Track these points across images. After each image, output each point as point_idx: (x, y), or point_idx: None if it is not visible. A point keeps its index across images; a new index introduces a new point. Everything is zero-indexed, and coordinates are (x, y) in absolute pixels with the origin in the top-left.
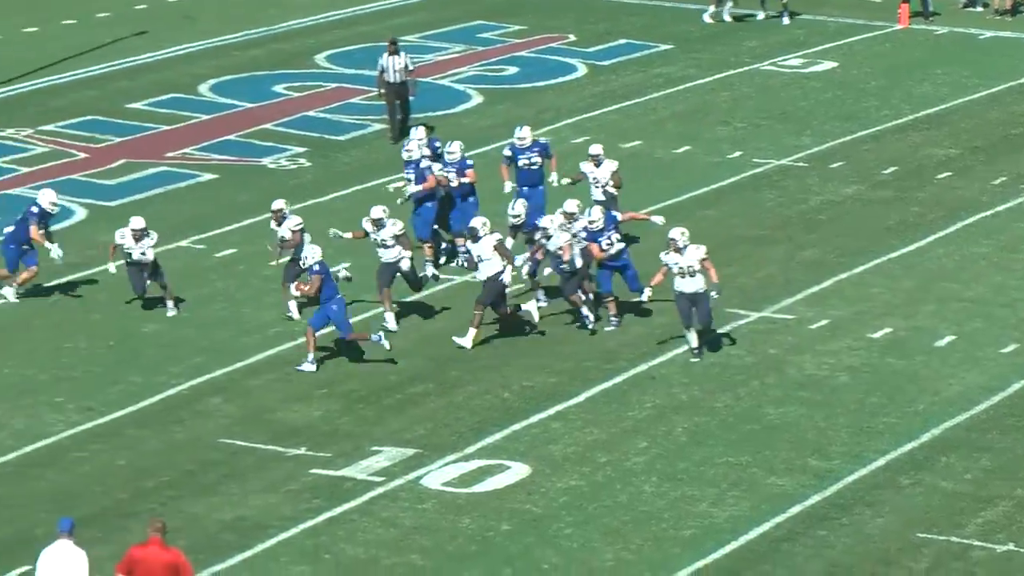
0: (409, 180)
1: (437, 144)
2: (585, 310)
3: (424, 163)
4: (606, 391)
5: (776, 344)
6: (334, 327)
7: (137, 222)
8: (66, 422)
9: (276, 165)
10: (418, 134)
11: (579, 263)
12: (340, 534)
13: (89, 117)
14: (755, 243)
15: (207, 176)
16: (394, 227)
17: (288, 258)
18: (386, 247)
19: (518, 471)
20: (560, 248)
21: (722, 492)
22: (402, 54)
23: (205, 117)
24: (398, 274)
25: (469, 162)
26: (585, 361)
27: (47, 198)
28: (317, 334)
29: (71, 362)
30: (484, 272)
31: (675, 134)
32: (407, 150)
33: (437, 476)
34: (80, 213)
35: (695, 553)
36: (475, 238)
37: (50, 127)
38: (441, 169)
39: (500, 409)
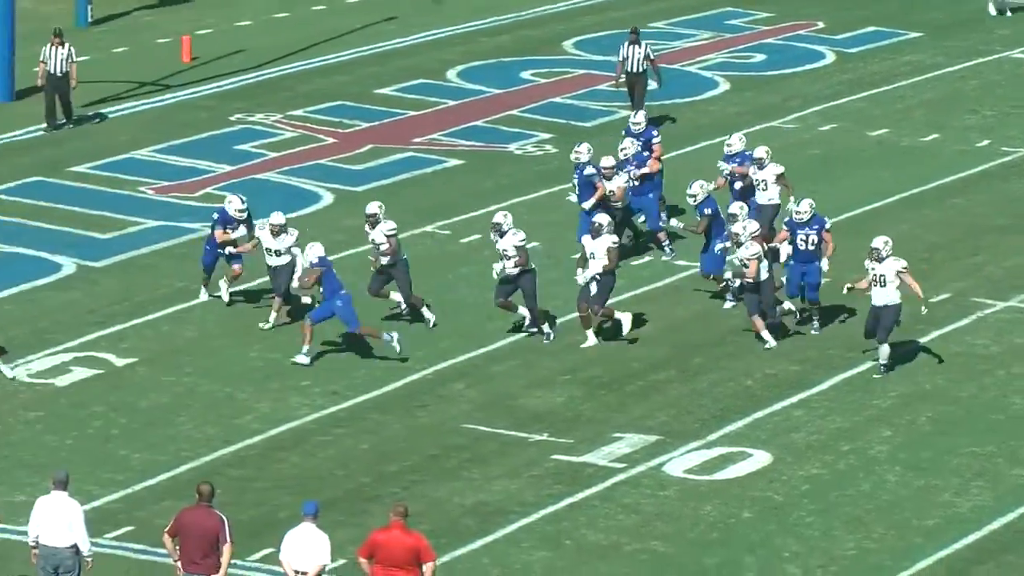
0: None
1: (654, 132)
2: (766, 333)
3: (589, 170)
4: (849, 379)
5: (1023, 334)
6: (341, 321)
7: (276, 218)
8: (311, 406)
9: (522, 151)
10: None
11: (764, 276)
12: (581, 520)
13: (338, 102)
14: (1002, 232)
15: (453, 162)
16: (514, 237)
17: (386, 262)
18: (506, 257)
19: (760, 459)
20: (746, 260)
21: (965, 482)
22: (643, 43)
23: (452, 103)
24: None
25: (645, 154)
26: (829, 349)
27: (233, 205)
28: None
29: (316, 346)
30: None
31: (923, 122)
32: (577, 152)
33: (679, 463)
34: (327, 198)
35: (937, 543)
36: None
37: (299, 112)
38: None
39: (743, 396)
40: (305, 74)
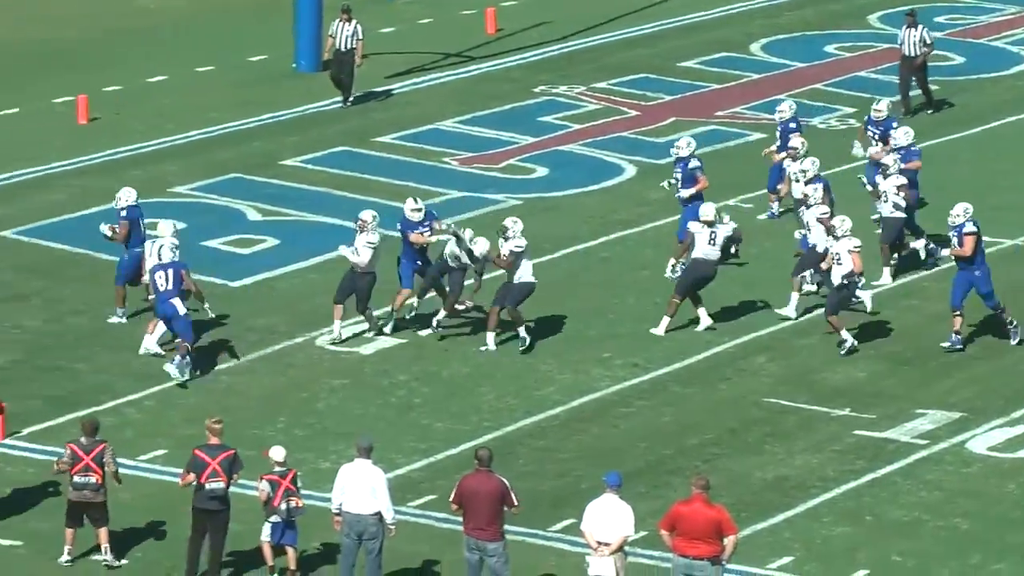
0: (676, 180)
1: (894, 123)
2: (845, 333)
3: (693, 163)
4: None
5: None
6: None
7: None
8: (612, 378)
9: (825, 125)
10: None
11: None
12: (883, 496)
13: (641, 75)
14: None
15: (756, 136)
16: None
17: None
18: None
19: None
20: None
21: None
22: (919, 27)
23: (755, 76)
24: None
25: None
26: None
27: (408, 206)
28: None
29: (619, 318)
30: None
31: None
32: (676, 146)
33: (983, 440)
34: (629, 170)
35: None
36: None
37: (602, 84)
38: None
39: None
40: (609, 46)
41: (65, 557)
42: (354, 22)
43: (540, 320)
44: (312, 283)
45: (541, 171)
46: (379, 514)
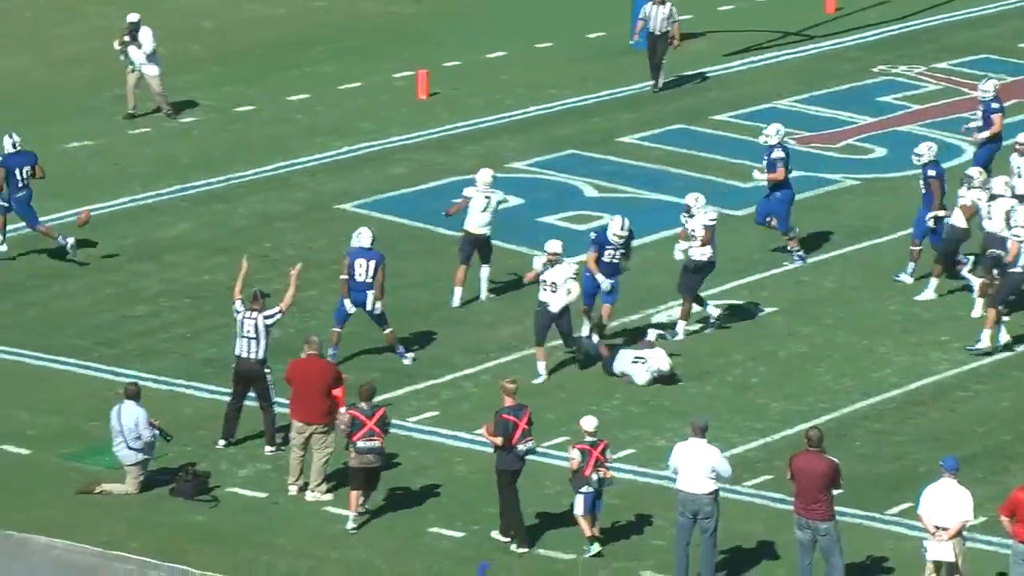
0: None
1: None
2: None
3: (777, 153)
4: None
5: None
6: None
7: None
8: (951, 361)
9: None
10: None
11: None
12: None
13: (982, 56)
14: None
15: None
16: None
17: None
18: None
19: None
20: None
21: None
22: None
23: None
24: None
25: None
26: None
27: (614, 226)
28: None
29: (957, 301)
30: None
31: None
32: (765, 134)
33: None
34: (969, 152)
35: None
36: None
37: (942, 65)
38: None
39: None
40: (950, 26)
41: (351, 524)
42: (668, 5)
43: (872, 304)
44: (648, 260)
45: (879, 151)
46: (714, 493)
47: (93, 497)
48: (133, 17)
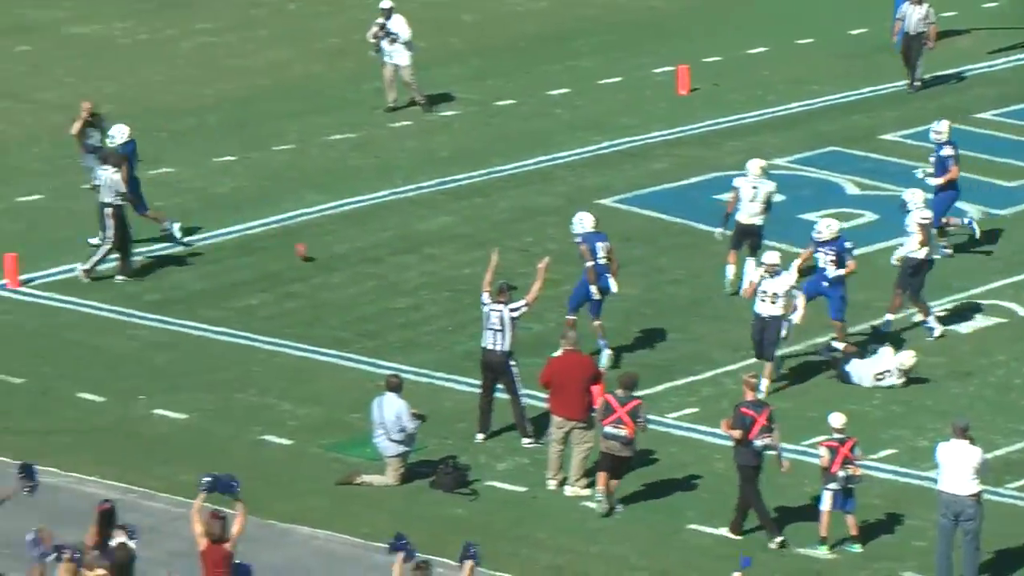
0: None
1: None
2: None
3: (946, 150)
4: None
5: None
6: None
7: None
8: None
9: None
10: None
11: None
12: None
13: None
14: None
15: None
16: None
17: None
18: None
19: None
20: None
21: None
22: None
23: None
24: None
25: None
26: None
27: (828, 227)
28: None
29: None
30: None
31: None
32: (936, 131)
33: None
34: None
35: None
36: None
37: None
38: None
39: None
40: None
41: (597, 505)
42: (925, 6)
43: None
44: None
45: None
46: (977, 495)
47: (354, 488)
48: (386, 3)
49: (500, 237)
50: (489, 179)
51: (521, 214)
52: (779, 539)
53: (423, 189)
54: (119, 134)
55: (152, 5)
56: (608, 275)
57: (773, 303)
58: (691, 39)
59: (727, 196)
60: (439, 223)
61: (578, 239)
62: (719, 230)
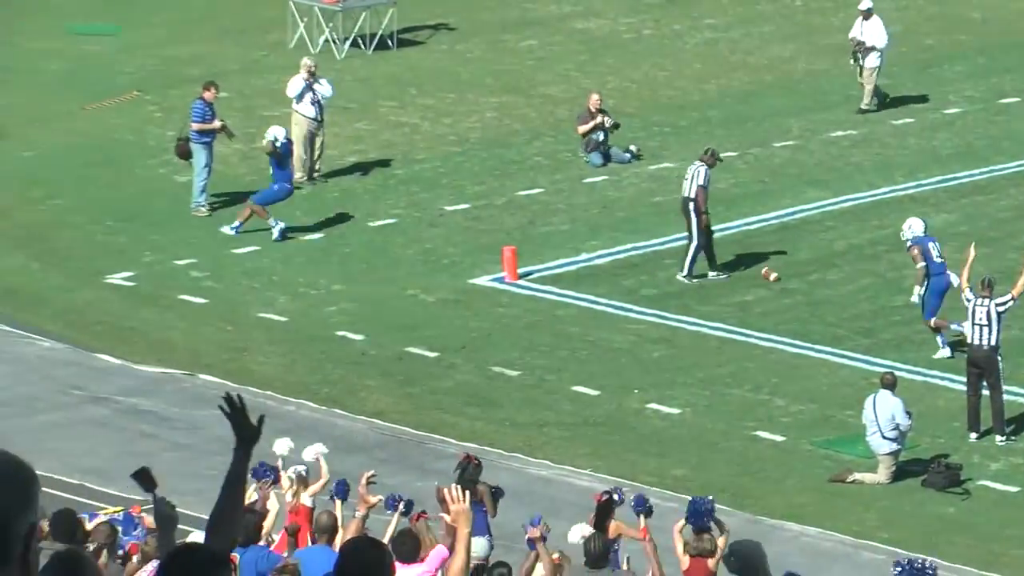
0: None
1: None
2: None
3: None
4: None
5: None
6: None
7: None
8: None
9: None
10: None
11: None
12: None
13: None
14: None
15: None
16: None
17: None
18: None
19: None
20: None
21: None
22: None
23: None
24: None
25: None
26: None
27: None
28: None
29: None
30: None
31: None
32: None
33: None
34: None
35: None
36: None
37: None
38: None
39: None
40: None
41: None
42: None
43: None
44: None
45: None
46: None
47: (845, 486)
48: (865, 3)
49: (1000, 236)
50: (991, 177)
51: (1023, 213)
52: None
53: (924, 186)
54: None
55: (658, 1)
56: (949, 272)
57: None
58: None
59: None
60: (938, 221)
61: None
62: None
